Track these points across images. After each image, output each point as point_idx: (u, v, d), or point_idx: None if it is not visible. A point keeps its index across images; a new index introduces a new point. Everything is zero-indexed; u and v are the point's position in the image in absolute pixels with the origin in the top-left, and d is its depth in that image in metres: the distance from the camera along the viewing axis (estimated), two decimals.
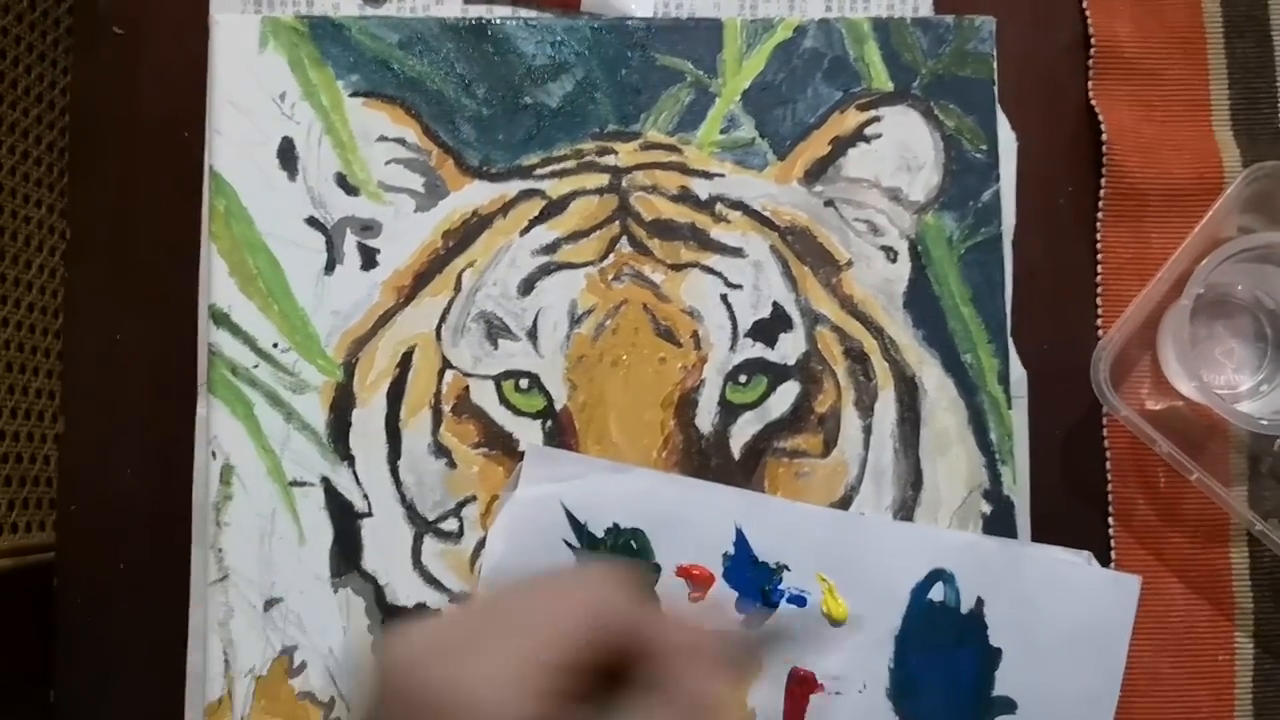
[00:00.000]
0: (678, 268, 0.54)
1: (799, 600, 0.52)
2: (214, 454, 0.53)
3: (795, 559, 0.53)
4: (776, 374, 0.54)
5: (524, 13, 0.57)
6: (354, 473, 0.53)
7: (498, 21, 0.56)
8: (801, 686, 0.52)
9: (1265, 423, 0.53)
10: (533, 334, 0.54)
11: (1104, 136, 0.56)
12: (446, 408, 0.54)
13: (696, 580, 0.52)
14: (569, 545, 0.52)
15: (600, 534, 0.52)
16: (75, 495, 0.56)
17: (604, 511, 0.52)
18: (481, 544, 0.53)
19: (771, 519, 0.53)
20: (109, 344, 0.56)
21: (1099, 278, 0.56)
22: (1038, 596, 0.53)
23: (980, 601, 0.53)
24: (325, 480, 0.53)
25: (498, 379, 0.54)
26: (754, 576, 0.53)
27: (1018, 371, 0.55)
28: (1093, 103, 0.57)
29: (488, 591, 0.51)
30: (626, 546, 0.52)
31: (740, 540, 0.53)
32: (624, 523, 0.52)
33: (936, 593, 0.53)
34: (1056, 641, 0.53)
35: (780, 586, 0.52)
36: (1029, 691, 0.53)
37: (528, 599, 0.37)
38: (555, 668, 0.35)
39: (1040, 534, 0.55)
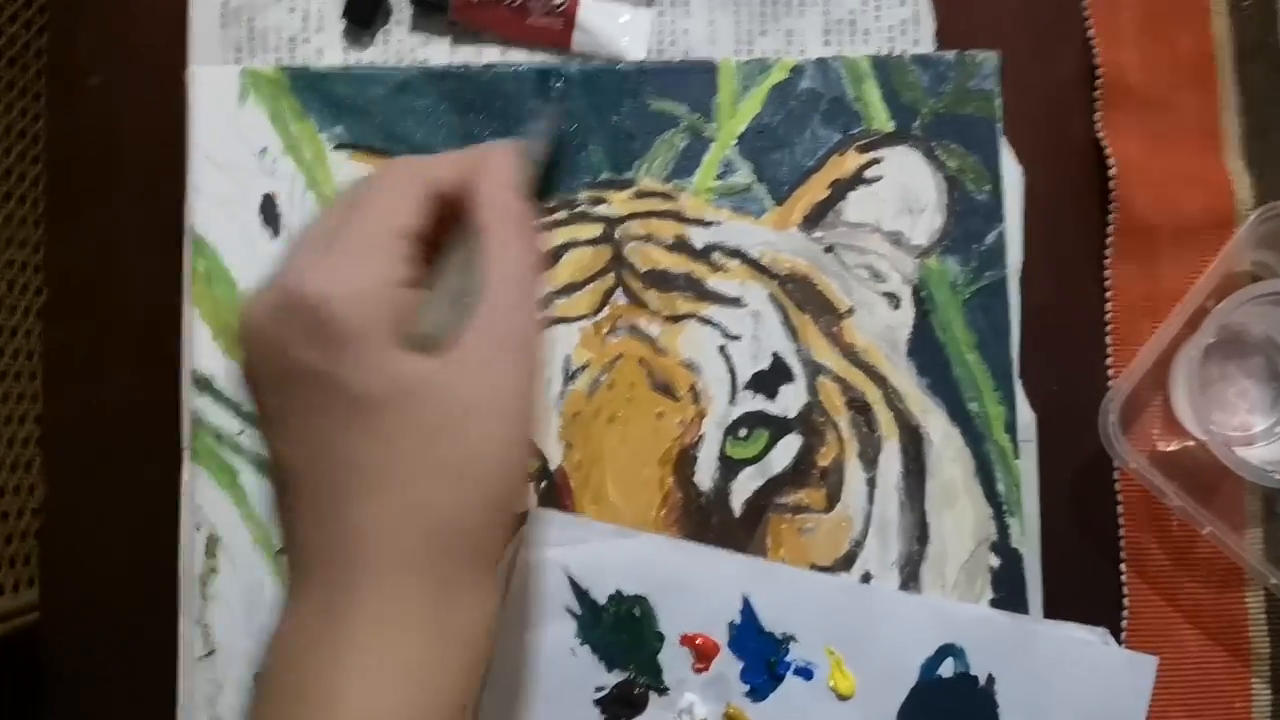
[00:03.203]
0: (674, 319, 0.53)
1: (805, 674, 0.51)
2: (198, 526, 0.52)
3: (803, 630, 0.51)
4: (777, 427, 0.53)
5: (513, 56, 0.55)
6: None
7: (483, 71, 0.54)
8: None
9: (1278, 476, 0.51)
10: None
11: (1112, 171, 0.54)
12: None
13: (701, 650, 0.51)
14: (570, 612, 0.51)
15: (603, 601, 0.51)
16: (59, 559, 0.54)
17: (607, 577, 0.51)
18: None
19: (779, 587, 0.51)
20: (90, 406, 0.54)
21: (1109, 316, 0.55)
22: (1050, 675, 0.51)
23: (991, 679, 0.52)
24: None
25: None
26: (760, 647, 0.51)
27: (1026, 415, 0.54)
28: (1099, 136, 0.55)
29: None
30: (629, 614, 0.51)
31: (747, 609, 0.51)
32: (627, 590, 0.51)
33: (946, 668, 0.51)
34: None
35: (787, 659, 0.51)
36: None
37: (355, 191, 0.37)
38: (400, 232, 0.35)
39: (1050, 583, 0.53)
